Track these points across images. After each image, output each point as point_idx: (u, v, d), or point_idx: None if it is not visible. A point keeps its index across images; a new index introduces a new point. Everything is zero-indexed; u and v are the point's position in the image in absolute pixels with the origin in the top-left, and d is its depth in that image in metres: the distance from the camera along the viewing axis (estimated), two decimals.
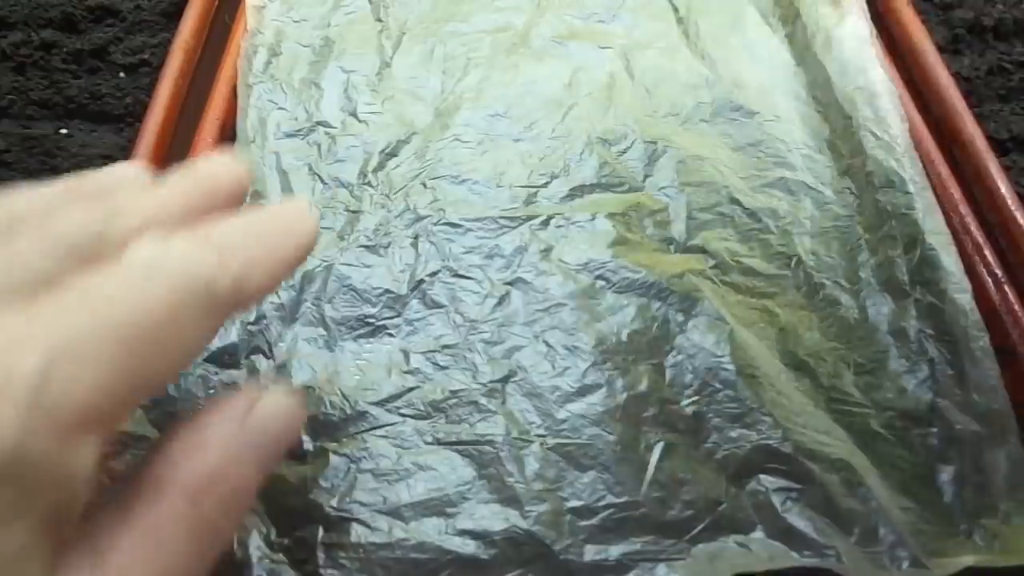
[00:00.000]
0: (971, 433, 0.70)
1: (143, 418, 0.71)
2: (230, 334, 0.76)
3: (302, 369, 0.74)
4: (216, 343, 0.76)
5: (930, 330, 0.76)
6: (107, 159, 1.03)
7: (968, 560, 0.63)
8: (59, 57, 1.13)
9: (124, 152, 1.00)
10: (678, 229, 0.84)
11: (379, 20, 1.07)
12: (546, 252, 0.82)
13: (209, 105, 0.99)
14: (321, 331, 0.77)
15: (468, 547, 0.64)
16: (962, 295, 0.77)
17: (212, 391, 0.73)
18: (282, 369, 0.74)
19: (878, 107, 0.91)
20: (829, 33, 0.98)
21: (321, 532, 0.65)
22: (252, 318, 0.77)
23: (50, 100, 1.09)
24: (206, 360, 0.75)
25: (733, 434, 0.69)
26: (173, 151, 0.94)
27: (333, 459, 0.69)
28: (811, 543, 0.64)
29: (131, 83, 1.11)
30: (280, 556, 0.64)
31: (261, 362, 0.75)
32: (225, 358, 0.75)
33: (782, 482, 0.67)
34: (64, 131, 1.06)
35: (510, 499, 0.66)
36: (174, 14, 1.13)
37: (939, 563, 0.64)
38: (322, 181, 0.89)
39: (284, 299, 0.79)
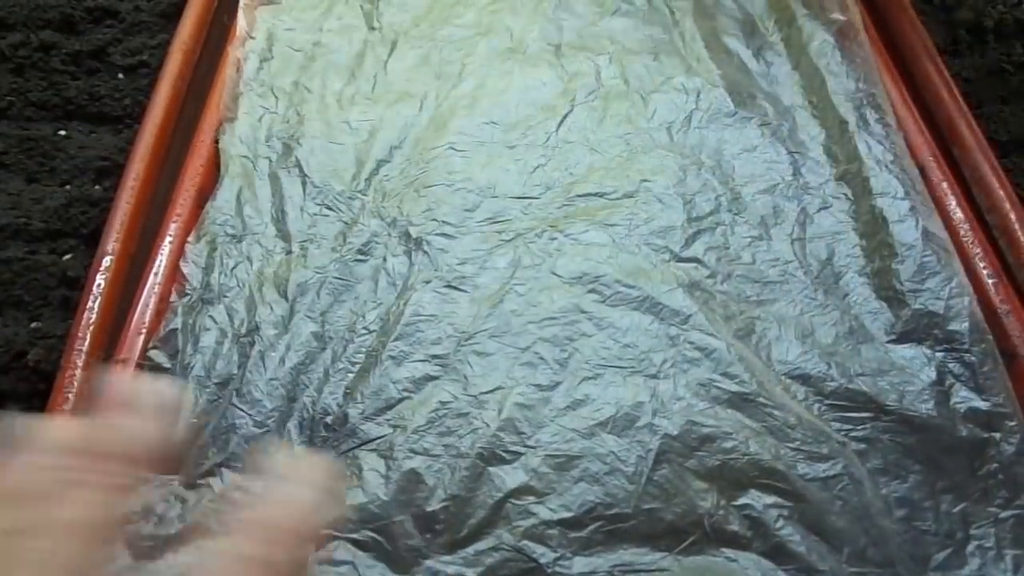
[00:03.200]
0: (973, 438, 0.71)
1: None
2: (223, 346, 0.77)
3: (295, 383, 0.75)
4: (210, 354, 0.76)
5: (930, 336, 0.76)
6: (105, 160, 1.03)
7: None
8: (58, 58, 1.13)
9: (123, 153, 1.00)
10: (674, 238, 0.84)
11: (372, 28, 1.07)
12: (539, 264, 0.82)
13: (208, 106, 0.99)
14: (313, 343, 0.77)
15: (455, 564, 0.64)
16: (961, 299, 0.77)
17: (210, 400, 0.74)
18: (273, 382, 0.74)
19: (874, 113, 0.91)
20: (825, 38, 0.98)
21: (313, 549, 0.65)
22: (244, 330, 0.78)
23: (49, 101, 1.09)
24: (200, 373, 0.75)
25: (726, 445, 0.69)
26: (172, 152, 0.94)
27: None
28: (801, 562, 0.65)
29: (130, 84, 1.11)
30: None
31: (253, 373, 0.75)
32: (218, 366, 0.76)
33: (775, 499, 0.67)
34: (63, 132, 1.07)
35: (499, 513, 0.67)
36: (173, 15, 1.13)
37: None
38: (314, 186, 0.89)
39: (277, 311, 0.79)
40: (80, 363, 0.75)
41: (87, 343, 0.77)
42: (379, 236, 0.84)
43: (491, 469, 0.68)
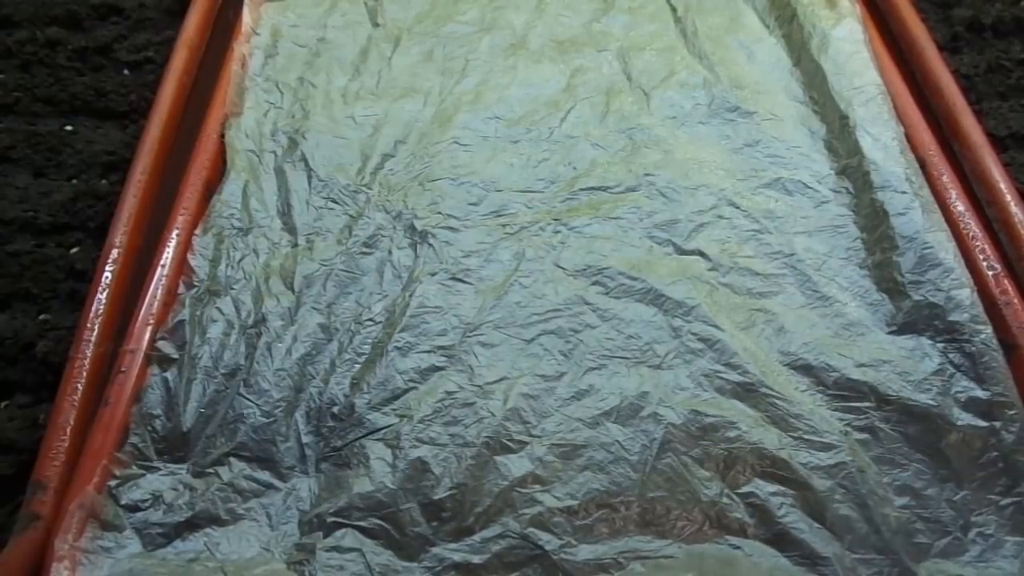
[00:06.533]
0: (974, 427, 0.72)
1: (149, 446, 0.73)
2: (230, 337, 0.78)
3: (302, 373, 0.76)
4: (217, 345, 0.77)
5: (931, 327, 0.77)
6: (112, 155, 1.04)
7: (954, 569, 0.66)
8: (64, 54, 1.14)
9: (129, 148, 1.01)
10: (676, 231, 0.85)
11: (376, 24, 1.08)
12: (543, 257, 0.83)
13: (213, 102, 1.00)
14: (320, 335, 0.78)
15: (462, 551, 0.65)
16: (961, 291, 0.78)
17: (218, 390, 0.75)
18: (280, 372, 0.75)
19: (873, 108, 0.92)
20: (825, 34, 0.99)
21: (321, 537, 0.67)
22: (251, 321, 0.79)
23: (55, 97, 1.10)
24: (208, 364, 0.76)
25: (730, 435, 0.70)
26: (178, 147, 0.95)
27: (333, 468, 0.71)
28: (804, 549, 0.66)
29: (135, 80, 1.12)
30: (280, 563, 0.67)
31: (261, 364, 0.76)
32: (226, 357, 0.77)
33: (778, 487, 0.68)
34: (69, 127, 1.08)
35: (505, 501, 0.67)
36: (178, 12, 1.14)
37: (926, 567, 0.66)
38: (319, 180, 0.90)
39: (284, 303, 0.80)
40: (89, 353, 0.76)
41: (96, 333, 0.77)
42: (384, 229, 0.85)
43: (497, 458, 0.69)
